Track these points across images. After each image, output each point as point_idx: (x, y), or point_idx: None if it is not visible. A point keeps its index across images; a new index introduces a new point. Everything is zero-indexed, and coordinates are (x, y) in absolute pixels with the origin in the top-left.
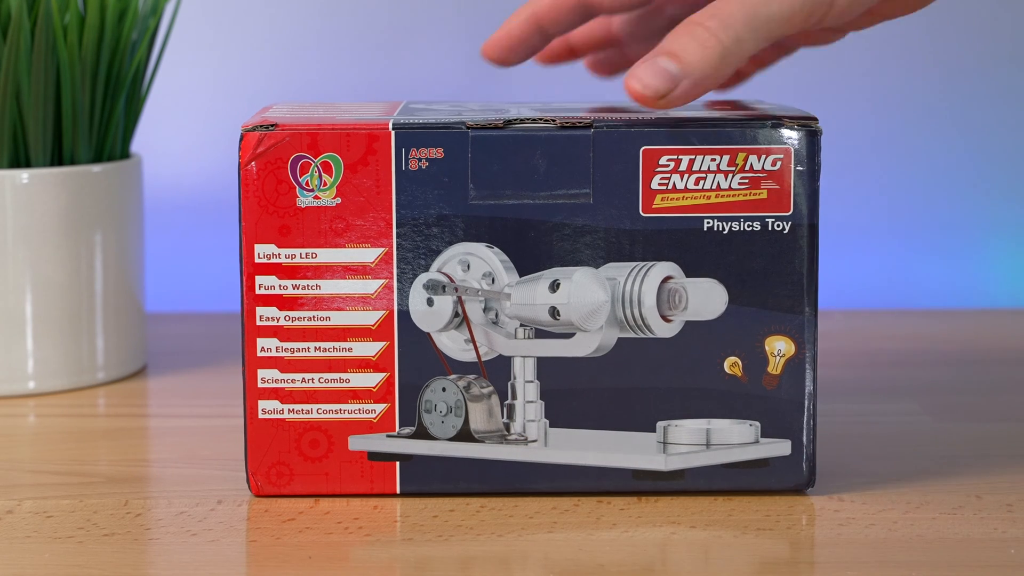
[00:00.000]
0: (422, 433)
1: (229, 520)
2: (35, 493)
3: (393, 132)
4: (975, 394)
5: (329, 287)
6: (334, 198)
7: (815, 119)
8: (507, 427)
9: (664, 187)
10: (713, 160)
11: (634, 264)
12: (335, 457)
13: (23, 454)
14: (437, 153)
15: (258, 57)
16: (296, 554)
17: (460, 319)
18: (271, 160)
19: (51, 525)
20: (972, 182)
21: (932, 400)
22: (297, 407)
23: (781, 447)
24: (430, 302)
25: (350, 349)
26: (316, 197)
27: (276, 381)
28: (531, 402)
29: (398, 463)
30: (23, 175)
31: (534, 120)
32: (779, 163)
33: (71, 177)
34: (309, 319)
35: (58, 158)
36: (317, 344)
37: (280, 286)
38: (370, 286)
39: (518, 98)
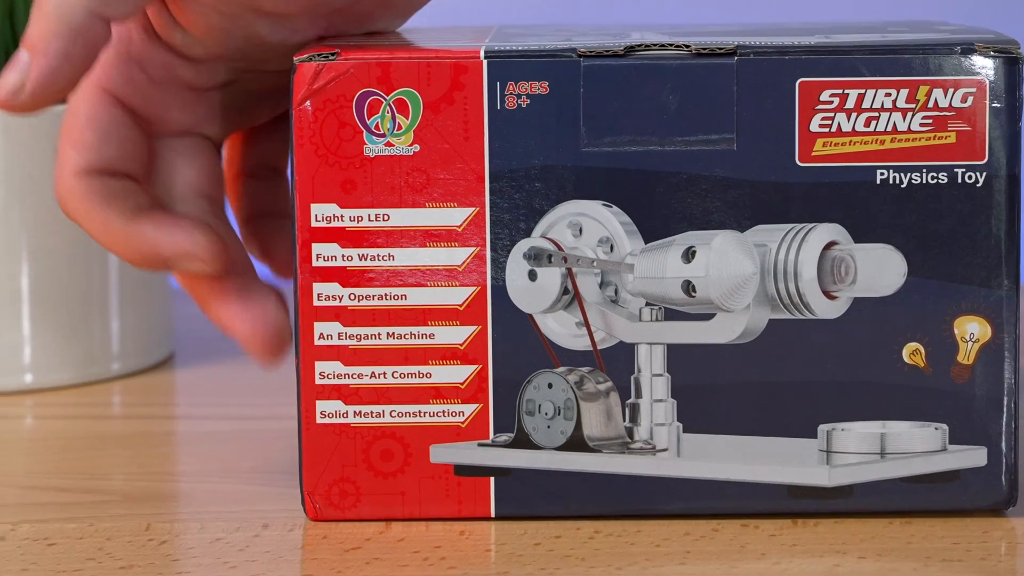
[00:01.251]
0: (523, 441)
1: (278, 549)
2: (33, 515)
3: (485, 62)
4: None
5: (405, 257)
6: (411, 145)
7: (1016, 44)
8: (630, 433)
9: (827, 129)
10: (888, 95)
11: (789, 227)
12: (413, 471)
13: (18, 465)
14: (541, 88)
15: None
16: None
17: (571, 297)
18: (331, 98)
19: (53, 555)
20: None
21: None
22: (365, 409)
23: (974, 456)
24: (532, 276)
25: (432, 336)
26: (388, 144)
27: (338, 376)
28: (660, 401)
29: (492, 479)
30: None
31: (662, 46)
32: (970, 99)
33: None
34: (380, 298)
35: None
36: (390, 329)
37: (343, 256)
38: (457, 256)
39: (641, 20)
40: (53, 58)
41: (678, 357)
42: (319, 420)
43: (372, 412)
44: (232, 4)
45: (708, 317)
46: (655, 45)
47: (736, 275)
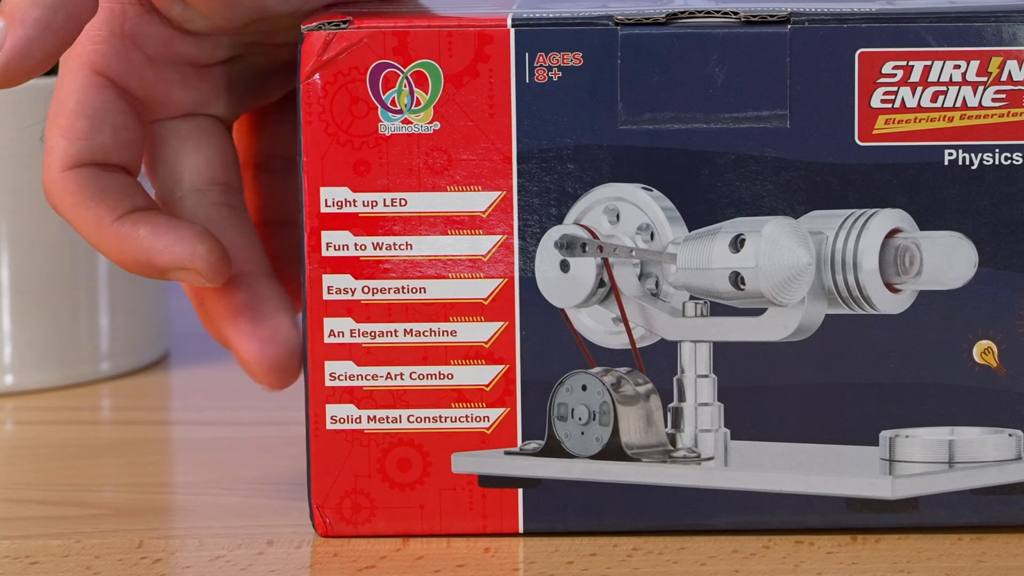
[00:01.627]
0: (554, 449)
1: (283, 568)
2: (14, 530)
3: (513, 31)
4: None
5: (424, 246)
6: (431, 122)
7: None
8: (672, 440)
9: (889, 105)
10: (957, 67)
11: (848, 213)
12: (432, 483)
13: None
14: (574, 59)
15: None
16: None
17: (607, 290)
18: (343, 70)
19: (36, 575)
20: None
21: None
22: (380, 414)
23: None
24: (565, 266)
25: (454, 332)
26: (406, 121)
27: (351, 377)
28: (705, 405)
29: (520, 491)
30: None
31: (708, 13)
32: None
33: None
34: (396, 291)
35: None
36: (408, 326)
37: (356, 245)
38: (481, 245)
39: None
40: (31, 28)
41: (725, 356)
42: (329, 426)
43: (388, 417)
44: None
45: (758, 312)
46: (700, 12)
47: (789, 266)
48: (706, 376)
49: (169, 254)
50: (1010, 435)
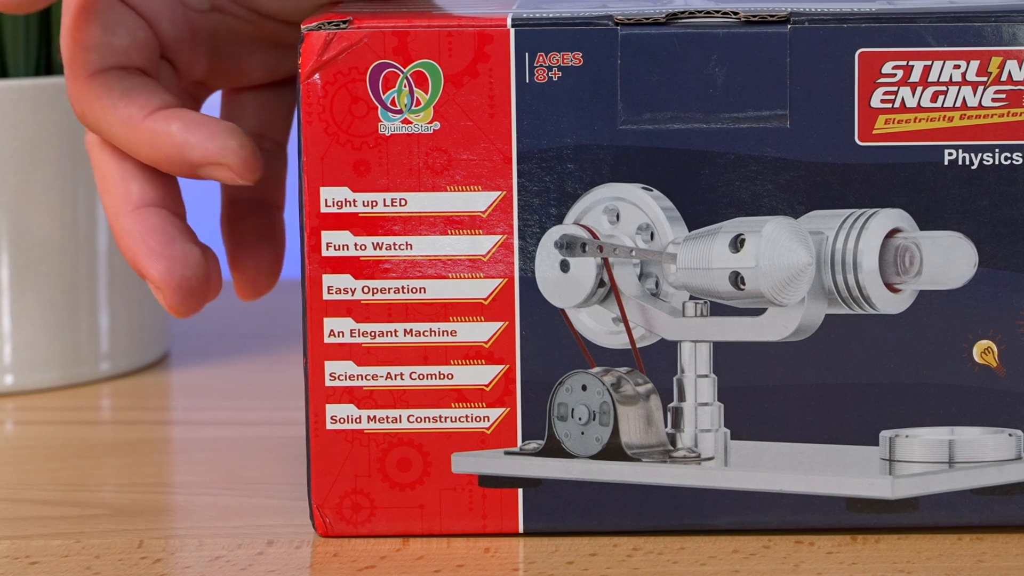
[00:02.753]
0: (554, 449)
1: (283, 569)
2: (14, 530)
3: (513, 30)
4: None
5: (424, 246)
6: (431, 122)
7: None
8: (672, 440)
9: (889, 105)
10: (957, 67)
11: (848, 212)
12: (432, 483)
13: None
14: (574, 59)
15: None
16: None
17: (607, 290)
18: (343, 70)
19: (36, 575)
20: None
21: None
22: (380, 413)
23: None
24: (565, 266)
25: (454, 333)
26: (406, 121)
27: (351, 377)
28: (705, 405)
29: (520, 491)
30: None
31: (708, 13)
32: None
33: (64, 91)
34: (396, 291)
35: (46, 66)
36: (408, 326)
37: (356, 245)
38: (481, 245)
39: None
40: None
41: (725, 356)
42: (329, 426)
43: (388, 417)
44: None
45: (758, 312)
46: (700, 12)
47: (789, 266)
48: (706, 376)
49: (202, 149)
50: (1010, 435)
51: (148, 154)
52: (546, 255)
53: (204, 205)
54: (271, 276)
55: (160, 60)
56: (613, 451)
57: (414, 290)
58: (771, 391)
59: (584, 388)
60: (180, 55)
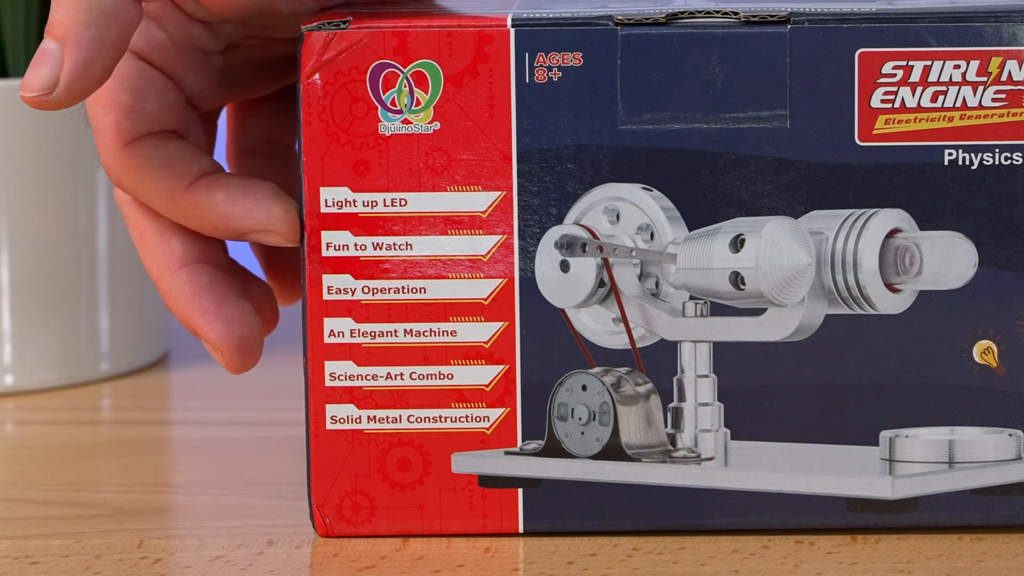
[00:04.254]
0: (554, 449)
1: (283, 569)
2: (13, 530)
3: (513, 31)
4: None
5: (424, 246)
6: (431, 123)
7: None
8: (672, 440)
9: (889, 105)
10: (957, 67)
11: (848, 212)
12: (432, 483)
13: None
14: (574, 59)
15: None
16: None
17: (607, 290)
18: (343, 70)
19: (36, 575)
20: None
21: None
22: (380, 413)
23: None
24: (565, 266)
25: (454, 333)
26: (406, 121)
27: (351, 377)
28: (705, 405)
29: (520, 491)
30: None
31: (708, 13)
32: None
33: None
34: (396, 291)
35: None
36: (408, 326)
37: (356, 245)
38: (481, 245)
39: None
40: (87, 48)
41: (725, 356)
42: (329, 426)
43: (388, 417)
44: None
45: (759, 312)
46: (700, 12)
47: (789, 266)
48: (706, 376)
49: (249, 218)
50: (1010, 435)
51: (193, 223)
52: (546, 255)
53: None
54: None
55: (187, 109)
56: (613, 451)
57: (414, 290)
58: (771, 391)
59: (584, 388)
60: (203, 99)
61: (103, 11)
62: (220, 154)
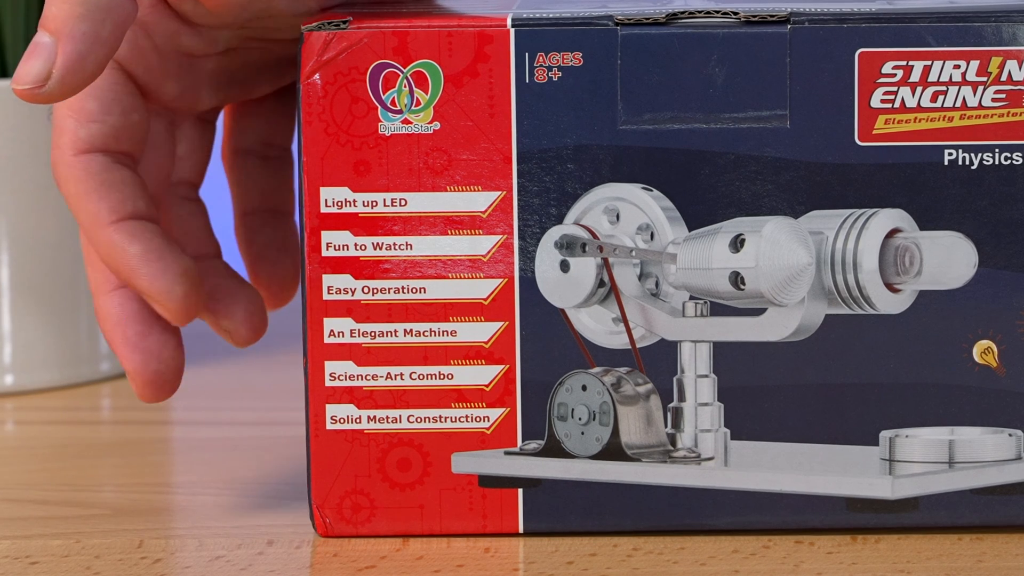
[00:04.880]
0: (554, 449)
1: (283, 569)
2: (13, 530)
3: (513, 31)
4: None
5: (424, 246)
6: (431, 123)
7: None
8: (672, 440)
9: (889, 105)
10: (957, 67)
11: (848, 212)
12: (432, 483)
13: None
14: (574, 59)
15: None
16: None
17: (607, 290)
18: (343, 70)
19: (36, 575)
20: None
21: None
22: (380, 414)
23: None
24: (565, 266)
25: (454, 333)
26: (406, 121)
27: (351, 377)
28: (705, 405)
29: (520, 491)
30: None
31: (708, 13)
32: None
33: None
34: (396, 291)
35: None
36: (408, 326)
37: (356, 245)
38: (481, 245)
39: None
40: (81, 41)
41: (725, 356)
42: (329, 426)
43: (388, 417)
44: None
45: (758, 312)
46: (700, 12)
47: (789, 266)
48: (706, 376)
49: (148, 283)
50: (1010, 435)
51: (103, 258)
52: (546, 255)
53: (217, 216)
54: (292, 285)
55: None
56: (613, 451)
57: (414, 290)
58: (771, 391)
59: (584, 388)
60: (189, 102)
61: (99, 6)
62: (217, 154)
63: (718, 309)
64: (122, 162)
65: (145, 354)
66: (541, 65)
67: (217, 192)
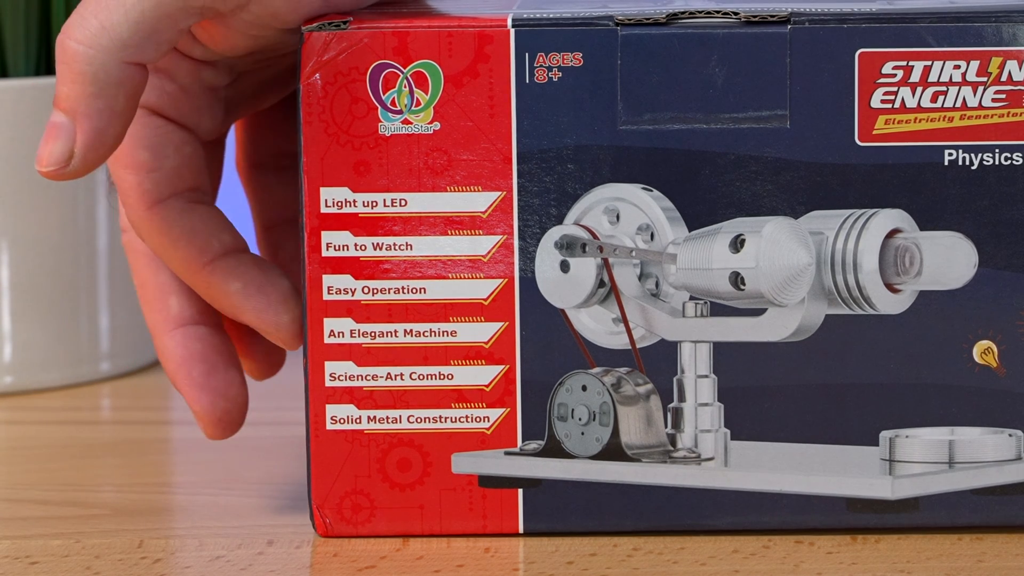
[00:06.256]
0: (554, 449)
1: (283, 569)
2: (14, 530)
3: (513, 31)
4: None
5: (424, 247)
6: (431, 123)
7: None
8: (672, 440)
9: (889, 105)
10: (957, 67)
11: (848, 213)
12: (433, 483)
13: None
14: (574, 60)
15: None
16: None
17: (607, 290)
18: (343, 71)
19: (36, 575)
20: None
21: None
22: (380, 414)
23: None
24: (565, 267)
25: (454, 333)
26: (406, 122)
27: (351, 378)
28: (705, 405)
29: (520, 491)
30: None
31: (708, 13)
32: None
33: None
34: (396, 291)
35: (46, 65)
36: (408, 326)
37: (356, 245)
38: (481, 245)
39: None
40: (97, 118)
41: (725, 357)
42: (329, 426)
43: (388, 417)
44: (265, 28)
45: (759, 313)
46: (700, 12)
47: (789, 266)
48: (706, 376)
49: (255, 318)
50: (1010, 435)
51: (205, 297)
52: (546, 255)
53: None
54: None
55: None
56: (613, 451)
57: (414, 290)
58: (771, 391)
59: (584, 388)
60: (216, 133)
61: (109, 82)
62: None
63: (718, 309)
64: (195, 199)
65: (212, 394)
66: (541, 65)
67: (235, 208)
